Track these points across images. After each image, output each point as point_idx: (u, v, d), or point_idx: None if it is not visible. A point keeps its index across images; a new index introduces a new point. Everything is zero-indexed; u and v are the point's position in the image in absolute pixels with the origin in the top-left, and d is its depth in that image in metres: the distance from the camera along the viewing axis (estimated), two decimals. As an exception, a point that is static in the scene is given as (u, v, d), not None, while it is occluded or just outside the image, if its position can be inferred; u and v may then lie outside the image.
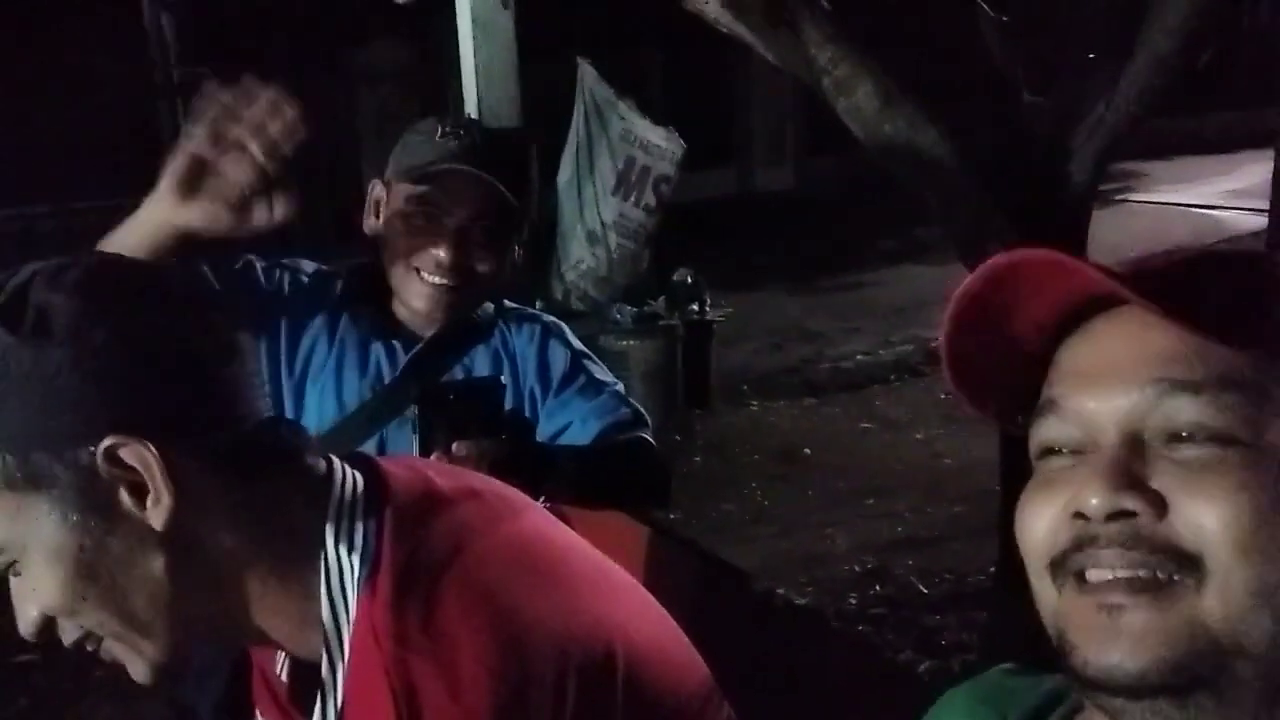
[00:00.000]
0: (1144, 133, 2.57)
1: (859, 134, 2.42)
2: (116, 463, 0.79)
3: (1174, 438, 0.62)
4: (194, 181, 1.35)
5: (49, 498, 0.79)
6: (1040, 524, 0.66)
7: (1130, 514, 0.61)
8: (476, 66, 2.96)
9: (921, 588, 3.80)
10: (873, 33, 2.35)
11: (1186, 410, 0.62)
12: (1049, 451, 0.68)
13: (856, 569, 3.97)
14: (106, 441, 0.78)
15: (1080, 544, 0.63)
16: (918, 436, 5.35)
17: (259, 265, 1.65)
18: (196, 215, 1.37)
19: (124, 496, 0.80)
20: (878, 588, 3.83)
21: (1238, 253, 0.71)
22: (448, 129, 1.61)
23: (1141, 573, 0.61)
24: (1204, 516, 0.60)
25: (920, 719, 0.83)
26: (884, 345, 6.65)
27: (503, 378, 1.59)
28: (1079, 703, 0.72)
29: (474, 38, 2.91)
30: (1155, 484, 0.62)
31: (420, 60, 8.46)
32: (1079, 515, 0.63)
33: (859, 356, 6.49)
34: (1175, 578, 0.61)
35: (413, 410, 1.45)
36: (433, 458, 1.37)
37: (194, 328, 0.83)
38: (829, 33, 2.32)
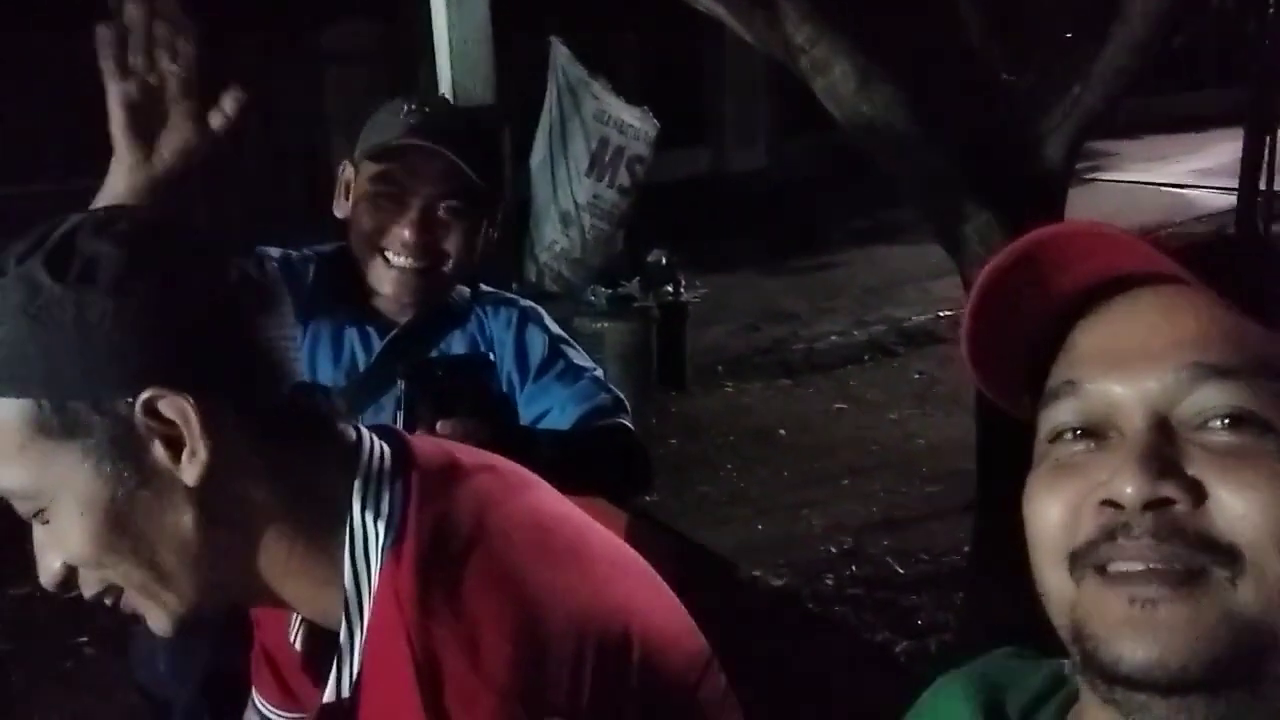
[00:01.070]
0: (1117, 111, 2.58)
1: (836, 113, 2.41)
2: (154, 415, 0.79)
3: (1205, 424, 0.60)
4: (142, 127, 1.32)
5: (83, 446, 0.79)
6: (1057, 511, 0.63)
7: (1167, 502, 0.59)
8: (450, 45, 2.91)
9: (897, 568, 3.81)
10: (849, 11, 2.34)
11: (1222, 395, 0.60)
12: (1061, 435, 0.65)
13: (832, 550, 3.99)
14: (146, 393, 0.78)
15: (1111, 533, 0.61)
16: (891, 417, 5.37)
17: None
18: (167, 156, 1.34)
19: (158, 449, 0.79)
20: (854, 568, 3.84)
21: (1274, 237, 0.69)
22: (413, 106, 1.59)
23: (1176, 565, 0.59)
24: (1243, 505, 0.58)
25: (912, 701, 0.82)
26: (858, 326, 6.67)
27: (491, 355, 1.57)
28: (1072, 695, 0.72)
29: (448, 16, 2.87)
30: (1191, 471, 0.60)
31: (389, 40, 8.37)
32: (1109, 503, 0.61)
33: (833, 337, 6.51)
34: (1208, 570, 0.58)
35: (400, 386, 1.43)
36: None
37: (237, 288, 0.83)
38: (806, 11, 2.31)
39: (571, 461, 1.47)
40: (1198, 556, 0.58)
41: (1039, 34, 2.55)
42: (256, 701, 1.09)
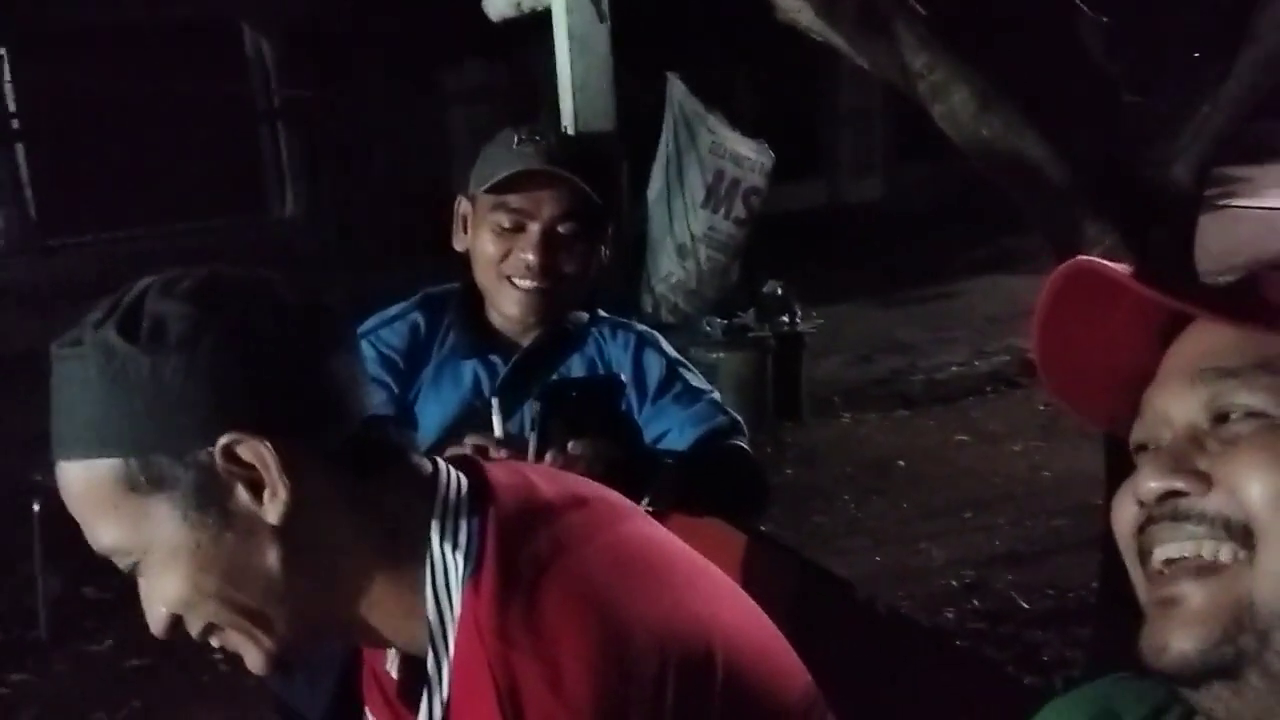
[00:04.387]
0: (1249, 135, 2.50)
1: (955, 139, 2.39)
2: (234, 460, 0.82)
3: (1219, 419, 0.67)
4: None
5: (171, 498, 0.82)
6: (1120, 513, 0.71)
7: (1181, 494, 0.66)
8: (573, 81, 2.98)
9: (1022, 603, 3.72)
10: (968, 35, 2.32)
11: (1228, 393, 0.67)
12: (1141, 449, 0.73)
13: (954, 583, 3.91)
14: (224, 439, 0.81)
15: (1142, 527, 0.68)
16: (1015, 449, 5.25)
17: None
18: None
19: (241, 493, 0.83)
20: (976, 602, 3.76)
21: None
22: (523, 136, 1.64)
23: (1189, 546, 0.65)
24: (1246, 482, 0.64)
25: None
26: (978, 356, 6.53)
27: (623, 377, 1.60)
28: (1190, 708, 0.71)
29: (570, 52, 2.94)
30: (1203, 465, 0.66)
31: (511, 80, 8.58)
32: (1140, 502, 0.68)
33: (952, 368, 6.39)
34: (1225, 554, 0.64)
35: (534, 407, 1.46)
36: (548, 456, 1.38)
37: (302, 329, 0.86)
38: (924, 37, 2.30)
39: (692, 483, 1.49)
40: (1214, 533, 0.64)
41: (1165, 52, 2.50)
42: None
